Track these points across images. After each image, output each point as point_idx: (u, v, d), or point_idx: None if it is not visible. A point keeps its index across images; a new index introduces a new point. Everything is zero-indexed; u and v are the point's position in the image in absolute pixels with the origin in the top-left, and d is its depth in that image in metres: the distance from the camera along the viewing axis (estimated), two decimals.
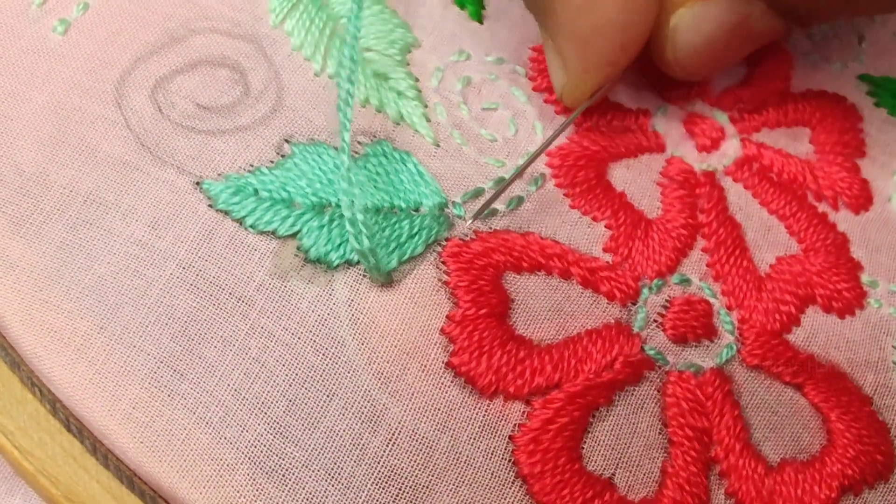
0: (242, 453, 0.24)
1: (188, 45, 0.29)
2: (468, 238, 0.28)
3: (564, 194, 0.30)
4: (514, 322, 0.27)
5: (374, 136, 0.29)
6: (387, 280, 0.26)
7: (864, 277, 0.31)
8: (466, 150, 0.30)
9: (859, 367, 0.29)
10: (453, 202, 0.29)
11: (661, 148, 0.32)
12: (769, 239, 0.31)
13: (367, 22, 0.31)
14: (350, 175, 0.26)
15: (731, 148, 0.33)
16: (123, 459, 0.24)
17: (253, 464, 0.24)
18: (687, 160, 0.32)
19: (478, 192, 0.29)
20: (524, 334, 0.27)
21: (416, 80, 0.31)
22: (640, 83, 0.34)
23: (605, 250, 0.29)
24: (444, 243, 0.28)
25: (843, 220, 0.32)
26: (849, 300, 0.30)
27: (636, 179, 0.31)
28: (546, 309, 0.27)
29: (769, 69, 0.36)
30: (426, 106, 0.31)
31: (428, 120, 0.30)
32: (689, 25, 0.29)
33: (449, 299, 0.27)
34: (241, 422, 0.25)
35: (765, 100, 0.35)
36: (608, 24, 0.28)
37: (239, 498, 0.24)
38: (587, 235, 0.29)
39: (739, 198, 0.32)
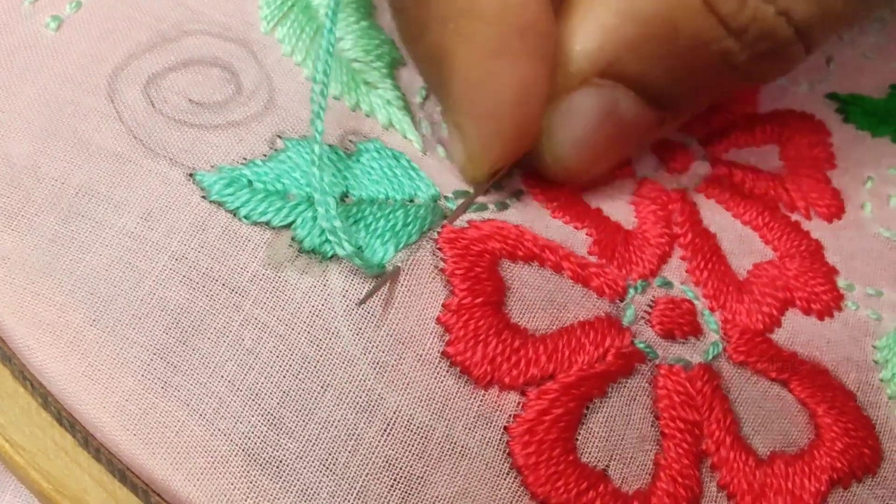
0: (236, 445, 0.24)
1: (180, 45, 0.29)
2: (463, 226, 0.28)
3: (544, 206, 0.30)
4: (510, 310, 0.27)
5: (366, 137, 0.30)
6: (379, 272, 0.26)
7: (840, 281, 0.31)
8: (450, 163, 0.30)
9: (841, 365, 0.29)
10: (445, 196, 0.29)
11: (630, 174, 0.33)
12: (745, 248, 0.32)
13: (355, 35, 0.32)
14: (324, 184, 0.26)
15: (701, 168, 0.34)
16: (116, 452, 0.24)
17: (247, 455, 0.24)
18: (658, 181, 0.33)
19: (467, 192, 0.29)
20: (519, 323, 0.27)
21: (403, 94, 0.32)
22: None
23: (589, 254, 0.29)
24: (439, 230, 0.27)
25: (817, 228, 0.33)
26: (826, 302, 0.31)
27: (608, 200, 0.32)
28: (540, 299, 0.27)
29: (736, 94, 0.38)
30: (413, 118, 0.31)
31: (415, 129, 0.31)
32: (561, 120, 0.29)
33: (445, 287, 0.26)
34: (234, 413, 0.24)
35: (733, 123, 0.36)
36: (506, 100, 0.28)
37: (233, 490, 0.24)
38: (572, 240, 0.29)
39: (712, 212, 0.32)
